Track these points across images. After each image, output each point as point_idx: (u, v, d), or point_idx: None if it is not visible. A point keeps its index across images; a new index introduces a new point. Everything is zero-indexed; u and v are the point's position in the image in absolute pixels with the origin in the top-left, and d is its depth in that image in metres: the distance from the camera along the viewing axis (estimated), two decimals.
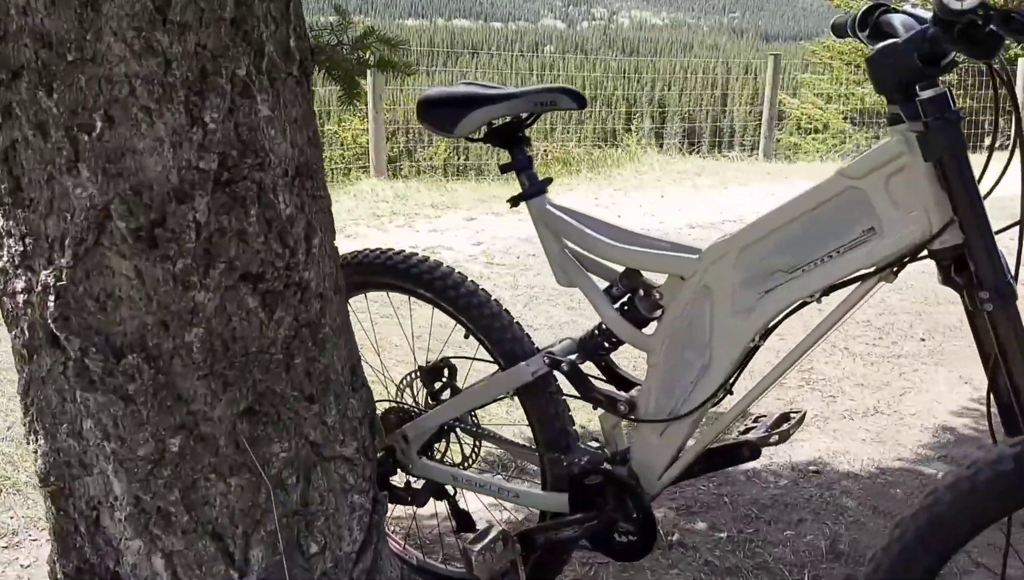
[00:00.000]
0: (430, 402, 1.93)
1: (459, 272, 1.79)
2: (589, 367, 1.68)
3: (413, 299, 1.85)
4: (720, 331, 1.46)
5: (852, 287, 1.35)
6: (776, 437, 1.60)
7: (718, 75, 24.58)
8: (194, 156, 1.33)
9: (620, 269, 1.59)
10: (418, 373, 1.92)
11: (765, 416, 1.66)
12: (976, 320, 1.24)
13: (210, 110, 1.33)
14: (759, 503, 2.43)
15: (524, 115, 1.63)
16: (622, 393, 1.62)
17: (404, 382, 1.96)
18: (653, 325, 1.58)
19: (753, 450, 1.59)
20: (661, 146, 11.46)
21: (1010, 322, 1.20)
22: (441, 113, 1.63)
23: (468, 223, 5.74)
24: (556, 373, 1.68)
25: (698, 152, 9.09)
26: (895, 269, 1.31)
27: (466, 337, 1.79)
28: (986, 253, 1.20)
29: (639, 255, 1.53)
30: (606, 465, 1.64)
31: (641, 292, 1.56)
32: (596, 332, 1.64)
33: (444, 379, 1.90)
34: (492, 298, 1.75)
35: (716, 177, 7.29)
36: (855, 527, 2.32)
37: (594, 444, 1.68)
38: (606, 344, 1.63)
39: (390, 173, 7.64)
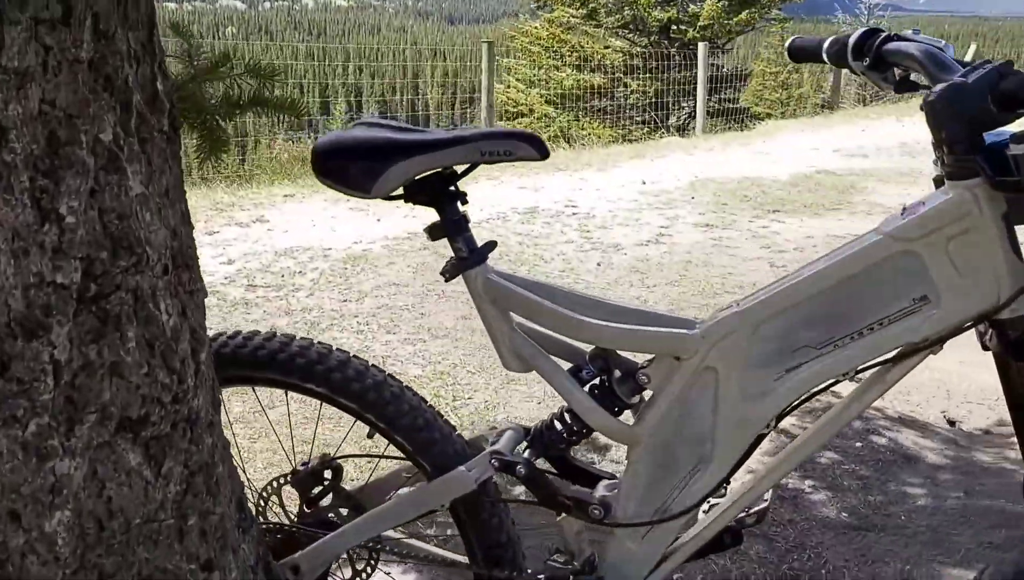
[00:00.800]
0: (306, 511, 1.55)
1: (356, 356, 1.42)
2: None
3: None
4: (726, 418, 1.23)
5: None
6: (754, 518, 1.40)
7: (408, 58, 24.57)
8: (47, 267, 0.88)
9: (587, 346, 1.32)
10: (290, 478, 1.54)
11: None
12: None
13: (67, 197, 0.89)
14: None
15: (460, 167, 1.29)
16: (590, 492, 1.35)
17: (270, 490, 1.57)
18: (627, 412, 1.32)
19: (735, 536, 1.39)
20: None
21: None
22: (352, 167, 1.25)
23: (211, 238, 5.11)
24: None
25: None
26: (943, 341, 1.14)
27: (370, 436, 1.44)
28: None
29: (623, 333, 1.24)
30: (572, 579, 1.37)
31: (618, 373, 1.28)
32: (558, 423, 1.34)
33: (326, 483, 1.53)
34: (406, 387, 1.41)
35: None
36: (741, 559, 2.23)
37: (559, 558, 1.38)
38: (567, 435, 1.35)
39: None
